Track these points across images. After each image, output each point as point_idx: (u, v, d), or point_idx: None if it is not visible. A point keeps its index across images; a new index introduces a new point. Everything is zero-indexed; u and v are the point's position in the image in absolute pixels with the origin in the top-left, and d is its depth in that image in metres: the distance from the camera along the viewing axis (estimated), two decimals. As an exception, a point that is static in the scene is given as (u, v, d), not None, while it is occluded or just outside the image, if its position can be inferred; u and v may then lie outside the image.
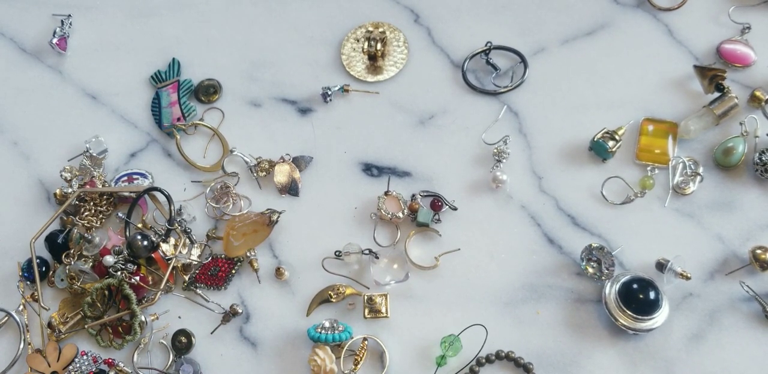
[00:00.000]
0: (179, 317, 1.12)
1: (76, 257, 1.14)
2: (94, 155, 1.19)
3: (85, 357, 1.09)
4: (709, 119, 1.11)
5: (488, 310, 1.07)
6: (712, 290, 1.05)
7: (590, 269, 1.05)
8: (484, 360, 1.04)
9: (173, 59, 1.25)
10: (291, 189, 1.16)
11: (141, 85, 1.25)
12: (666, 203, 1.10)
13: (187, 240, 1.13)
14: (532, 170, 1.13)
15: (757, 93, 1.11)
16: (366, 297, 1.07)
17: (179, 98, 1.21)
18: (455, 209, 1.11)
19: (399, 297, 1.09)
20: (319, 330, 1.05)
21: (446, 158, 1.15)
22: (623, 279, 1.03)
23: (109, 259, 1.10)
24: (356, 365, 1.05)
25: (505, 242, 1.10)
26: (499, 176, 1.11)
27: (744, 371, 1.02)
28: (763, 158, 1.07)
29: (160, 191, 1.13)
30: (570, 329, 1.05)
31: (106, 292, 1.11)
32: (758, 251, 1.03)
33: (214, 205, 1.15)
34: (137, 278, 1.10)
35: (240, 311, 1.09)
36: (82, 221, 1.16)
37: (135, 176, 1.18)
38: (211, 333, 1.10)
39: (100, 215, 1.17)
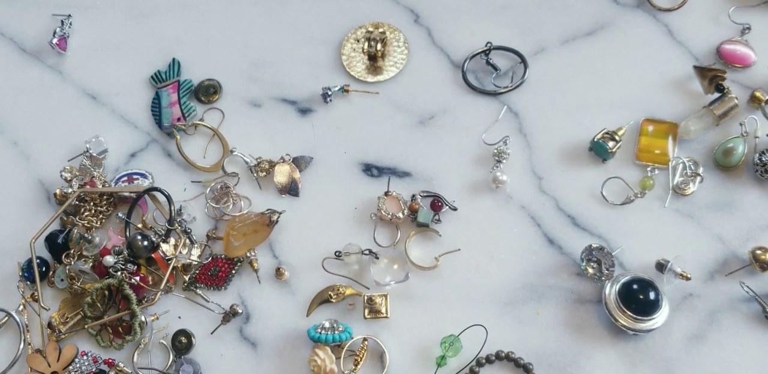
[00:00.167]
0: (179, 317, 1.12)
1: (76, 258, 1.14)
2: (94, 155, 1.19)
3: (85, 357, 1.09)
4: (709, 119, 1.11)
5: (488, 310, 1.07)
6: (712, 290, 1.05)
7: (590, 270, 1.05)
8: (484, 361, 1.04)
9: (173, 59, 1.25)
10: (291, 189, 1.16)
11: (141, 85, 1.25)
12: (666, 203, 1.10)
13: (187, 240, 1.13)
14: (532, 170, 1.13)
15: (757, 94, 1.11)
16: (366, 298, 1.07)
17: (179, 98, 1.21)
18: (455, 209, 1.11)
19: (399, 297, 1.09)
20: (319, 330, 1.05)
21: (446, 158, 1.15)
22: (623, 280, 1.04)
23: (109, 259, 1.10)
24: (356, 365, 1.05)
25: (505, 243, 1.10)
26: (499, 176, 1.11)
27: (744, 371, 1.02)
28: (763, 159, 1.07)
29: (160, 191, 1.13)
30: (570, 329, 1.05)
31: (106, 292, 1.11)
32: (758, 252, 1.04)
33: (214, 205, 1.15)
34: (137, 278, 1.10)
35: (240, 311, 1.10)
36: (82, 221, 1.16)
37: (135, 176, 1.18)
38: (211, 333, 1.10)
39: (100, 215, 1.17)
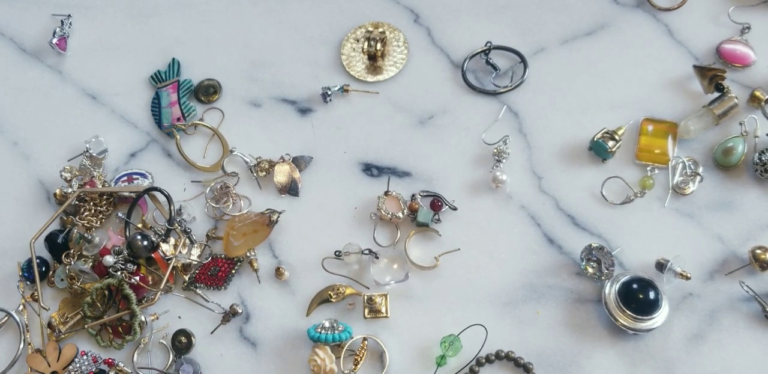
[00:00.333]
0: (179, 317, 1.12)
1: (76, 257, 1.14)
2: (94, 155, 1.19)
3: (85, 357, 1.09)
4: (708, 119, 1.11)
5: (488, 310, 1.07)
6: (712, 290, 1.05)
7: (590, 269, 1.05)
8: (484, 360, 1.04)
9: (173, 59, 1.25)
10: (291, 189, 1.16)
11: (141, 85, 1.25)
12: (666, 203, 1.10)
13: (187, 240, 1.13)
14: (532, 170, 1.13)
15: (757, 93, 1.11)
16: (366, 297, 1.07)
17: (179, 98, 1.21)
18: (455, 209, 1.11)
19: (399, 297, 1.09)
20: (319, 330, 1.05)
21: (446, 158, 1.15)
22: (623, 279, 1.04)
23: (109, 259, 1.10)
24: (356, 365, 1.05)
25: (505, 242, 1.10)
26: (499, 176, 1.11)
27: (744, 371, 1.02)
28: (763, 158, 1.07)
29: (160, 191, 1.13)
30: (570, 329, 1.05)
31: (106, 292, 1.11)
32: (758, 251, 1.04)
33: (214, 205, 1.15)
34: (137, 278, 1.10)
35: (240, 311, 1.09)
36: (82, 221, 1.16)
37: (135, 176, 1.18)
38: (211, 333, 1.10)
39: (100, 215, 1.17)
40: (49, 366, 1.09)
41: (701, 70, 1.12)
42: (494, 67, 1.19)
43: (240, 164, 1.18)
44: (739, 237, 1.07)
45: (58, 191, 1.17)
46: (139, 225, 1.15)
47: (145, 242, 1.10)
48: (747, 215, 1.08)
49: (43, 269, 1.14)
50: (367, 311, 1.07)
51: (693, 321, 1.04)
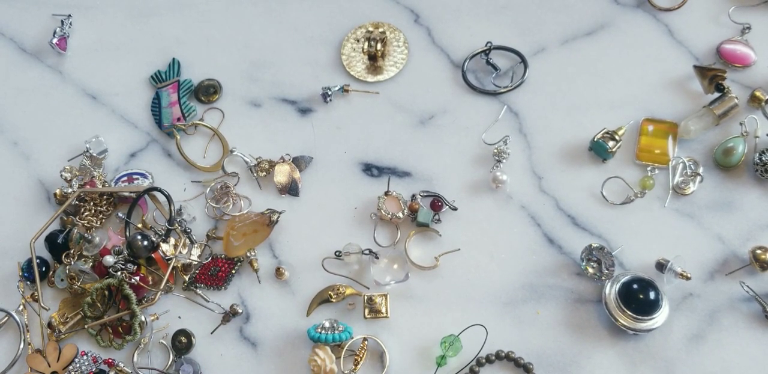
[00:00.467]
0: (179, 317, 1.11)
1: (76, 257, 1.14)
2: (94, 155, 1.19)
3: (85, 357, 1.09)
4: (709, 119, 1.11)
5: (488, 310, 1.07)
6: (712, 290, 1.05)
7: (590, 270, 1.05)
8: (484, 360, 1.04)
9: (173, 59, 1.25)
10: (291, 189, 1.16)
11: (141, 85, 1.25)
12: (666, 203, 1.10)
13: (187, 240, 1.13)
14: (532, 170, 1.13)
15: (757, 93, 1.11)
16: (366, 297, 1.07)
17: (179, 98, 1.21)
18: (455, 209, 1.11)
19: (399, 297, 1.09)
20: (319, 330, 1.05)
21: (446, 158, 1.15)
22: (623, 279, 1.03)
23: (109, 259, 1.10)
24: (356, 365, 1.05)
25: (505, 242, 1.10)
26: (499, 176, 1.11)
27: (744, 371, 1.02)
28: (763, 158, 1.07)
29: (160, 191, 1.13)
30: (570, 329, 1.05)
31: (106, 292, 1.11)
32: (758, 252, 1.04)
33: (214, 205, 1.15)
34: (137, 278, 1.10)
35: (240, 311, 1.09)
36: (82, 221, 1.16)
37: (135, 176, 1.18)
38: (211, 333, 1.10)
39: (100, 215, 1.17)
40: (49, 366, 1.09)
41: (701, 71, 1.12)
42: (494, 67, 1.19)
43: (240, 164, 1.18)
44: (739, 237, 1.07)
45: (58, 191, 1.17)
46: (139, 225, 1.15)
47: (145, 242, 1.10)
48: (747, 216, 1.08)
49: (43, 269, 1.14)
50: (367, 311, 1.07)
51: (693, 321, 1.04)
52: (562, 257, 1.09)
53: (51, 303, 1.14)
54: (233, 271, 1.12)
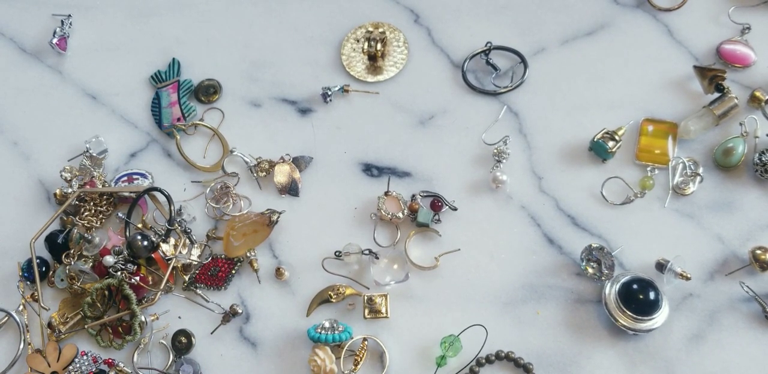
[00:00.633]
0: (179, 317, 1.12)
1: (76, 257, 1.14)
2: (94, 155, 1.19)
3: (85, 357, 1.09)
4: (709, 119, 1.11)
5: (488, 310, 1.07)
6: (712, 290, 1.05)
7: (590, 270, 1.05)
8: (484, 361, 1.04)
9: (173, 59, 1.25)
10: (291, 189, 1.16)
11: (141, 85, 1.25)
12: (666, 203, 1.10)
13: (187, 240, 1.13)
14: (532, 170, 1.13)
15: (757, 93, 1.11)
16: (366, 298, 1.07)
17: (179, 98, 1.21)
18: (455, 209, 1.11)
19: (399, 297, 1.09)
20: (319, 330, 1.05)
21: (446, 158, 1.15)
22: (623, 280, 1.04)
23: (109, 259, 1.10)
24: (356, 365, 1.05)
25: (505, 242, 1.10)
26: (499, 176, 1.11)
27: (744, 371, 1.02)
28: (763, 159, 1.07)
29: (160, 191, 1.13)
30: (570, 329, 1.05)
31: (106, 292, 1.11)
32: (758, 252, 1.04)
33: (214, 205, 1.15)
34: (137, 278, 1.10)
35: (240, 311, 1.09)
36: (82, 221, 1.16)
37: (135, 176, 1.18)
38: (211, 333, 1.10)
39: (100, 215, 1.17)
40: (49, 366, 1.09)
41: (701, 71, 1.12)
42: (494, 68, 1.19)
43: (240, 164, 1.18)
44: (739, 237, 1.07)
45: (58, 191, 1.17)
46: (139, 225, 1.15)
47: (145, 243, 1.10)
48: (747, 216, 1.08)
49: (43, 269, 1.14)
50: (367, 311, 1.07)
51: (693, 322, 1.04)
52: (562, 257, 1.09)
53: (51, 303, 1.14)
54: (233, 271, 1.12)
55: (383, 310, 1.07)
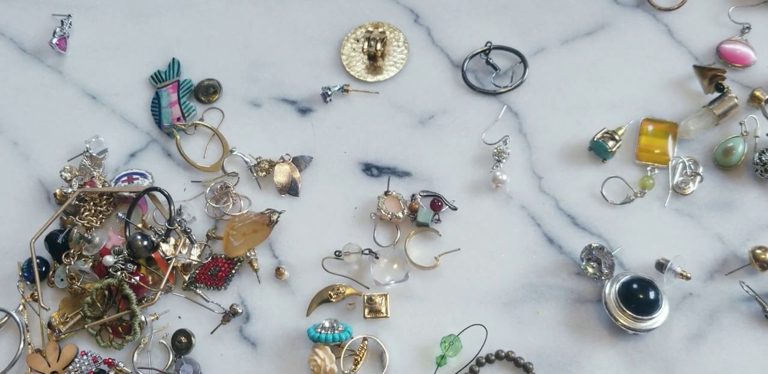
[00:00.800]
0: (179, 317, 1.12)
1: (76, 257, 1.14)
2: (94, 155, 1.19)
3: (85, 357, 1.09)
4: (708, 119, 1.11)
5: (488, 310, 1.07)
6: (712, 290, 1.05)
7: (590, 269, 1.05)
8: (484, 360, 1.04)
9: (173, 59, 1.25)
10: (291, 189, 1.16)
11: (141, 85, 1.25)
12: (666, 203, 1.10)
13: (187, 240, 1.13)
14: (532, 170, 1.13)
15: (757, 93, 1.11)
16: (366, 297, 1.07)
17: (179, 98, 1.21)
18: (455, 209, 1.11)
19: (399, 297, 1.09)
20: (319, 330, 1.05)
21: (446, 158, 1.15)
22: (623, 279, 1.04)
23: (109, 259, 1.10)
24: (356, 365, 1.05)
25: (505, 242, 1.10)
26: (499, 176, 1.11)
27: (744, 371, 1.02)
28: (763, 158, 1.07)
29: (160, 191, 1.13)
30: (570, 329, 1.05)
31: (106, 292, 1.11)
32: (758, 251, 1.04)
33: (214, 205, 1.15)
34: (137, 278, 1.10)
35: (240, 311, 1.09)
36: (82, 221, 1.16)
37: (135, 176, 1.18)
38: (211, 333, 1.10)
39: (100, 215, 1.17)
40: (49, 366, 1.09)
41: (701, 70, 1.12)
42: (494, 67, 1.19)
43: (240, 164, 1.18)
44: (739, 237, 1.07)
45: (58, 191, 1.17)
46: (139, 225, 1.15)
47: (145, 242, 1.10)
48: (747, 215, 1.08)
49: (43, 269, 1.14)
50: (367, 311, 1.07)
51: (693, 321, 1.04)
52: (562, 257, 1.09)
53: (51, 303, 1.14)
54: (233, 271, 1.12)
55: (383, 310, 1.07)
